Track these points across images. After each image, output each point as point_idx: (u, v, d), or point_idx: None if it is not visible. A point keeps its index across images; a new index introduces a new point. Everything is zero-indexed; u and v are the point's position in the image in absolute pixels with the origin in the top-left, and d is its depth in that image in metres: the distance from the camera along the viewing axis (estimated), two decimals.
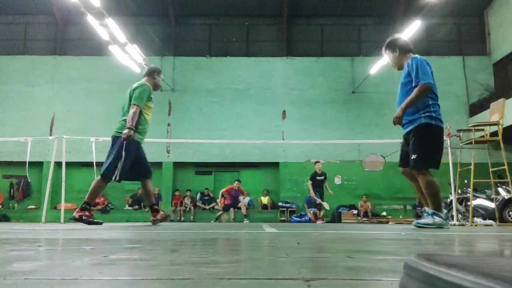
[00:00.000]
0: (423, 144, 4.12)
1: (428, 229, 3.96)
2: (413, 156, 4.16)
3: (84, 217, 4.73)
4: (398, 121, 4.33)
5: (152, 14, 16.39)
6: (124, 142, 4.66)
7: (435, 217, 4.12)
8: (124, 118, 4.92)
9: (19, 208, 14.91)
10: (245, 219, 12.53)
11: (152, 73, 5.20)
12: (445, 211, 4.23)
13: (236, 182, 12.69)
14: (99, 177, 4.86)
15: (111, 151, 4.85)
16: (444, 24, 15.90)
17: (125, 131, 4.67)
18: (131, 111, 4.77)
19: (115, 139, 4.88)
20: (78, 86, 15.53)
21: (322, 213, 14.09)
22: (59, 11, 15.85)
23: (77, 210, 4.85)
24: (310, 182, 11.55)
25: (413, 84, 4.20)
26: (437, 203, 4.15)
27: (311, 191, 11.45)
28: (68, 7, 14.66)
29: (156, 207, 5.21)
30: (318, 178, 11.55)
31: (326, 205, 11.57)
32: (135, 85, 5.02)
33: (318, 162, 11.79)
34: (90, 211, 4.82)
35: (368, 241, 2.18)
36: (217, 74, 15.30)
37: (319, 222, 11.48)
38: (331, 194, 11.78)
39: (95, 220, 4.88)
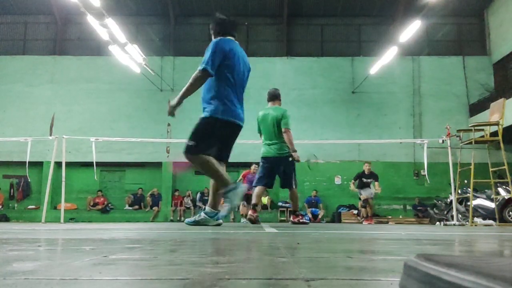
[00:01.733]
0: (199, 131, 3.81)
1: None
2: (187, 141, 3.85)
3: (300, 221, 5.97)
4: (170, 111, 3.81)
5: (152, 14, 16.39)
6: (293, 159, 5.80)
7: (201, 213, 4.14)
8: (276, 141, 5.81)
9: (19, 208, 14.91)
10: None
11: (279, 96, 6.10)
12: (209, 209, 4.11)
13: (254, 166, 11.54)
14: (294, 188, 5.89)
15: (285, 170, 5.82)
16: (444, 24, 15.91)
17: (295, 154, 5.78)
18: (288, 136, 5.75)
19: (279, 159, 5.80)
20: (78, 86, 15.53)
21: (322, 212, 14.09)
22: (59, 11, 15.85)
23: (292, 217, 6.08)
24: (352, 181, 11.01)
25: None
26: (218, 180, 3.91)
27: (353, 188, 11.03)
28: (68, 7, 14.66)
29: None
30: (365, 180, 10.99)
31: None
32: (275, 111, 5.85)
33: (367, 163, 11.17)
34: (300, 215, 6.14)
35: (368, 241, 2.18)
36: None
37: (365, 222, 10.64)
38: (378, 192, 11.02)
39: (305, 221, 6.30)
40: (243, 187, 3.92)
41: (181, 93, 3.74)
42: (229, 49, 3.80)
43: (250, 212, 5.78)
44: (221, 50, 3.75)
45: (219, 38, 3.87)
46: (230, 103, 3.82)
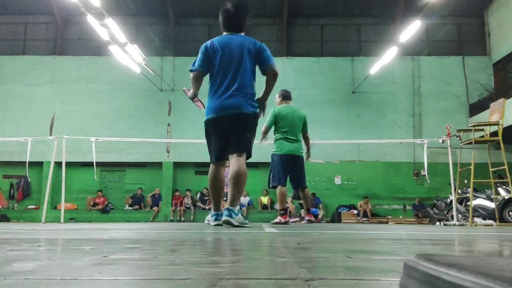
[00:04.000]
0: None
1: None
2: None
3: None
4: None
5: (152, 14, 16.39)
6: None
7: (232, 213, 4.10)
8: (298, 139, 6.01)
9: (19, 208, 14.91)
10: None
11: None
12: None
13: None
14: (307, 188, 6.15)
15: (301, 168, 6.03)
16: (444, 24, 15.90)
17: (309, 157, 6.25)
18: (309, 141, 6.15)
19: (300, 157, 6.03)
20: (78, 86, 15.53)
21: (322, 213, 14.08)
22: (59, 11, 15.85)
23: (308, 215, 6.26)
24: None
25: None
26: (214, 203, 4.18)
27: None
28: (68, 7, 14.65)
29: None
30: None
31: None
32: (299, 111, 6.13)
33: None
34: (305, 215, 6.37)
35: (368, 241, 2.18)
36: None
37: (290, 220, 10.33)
38: None
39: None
40: (217, 221, 4.01)
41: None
42: (212, 48, 4.06)
43: (288, 219, 6.03)
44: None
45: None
46: (211, 98, 3.97)
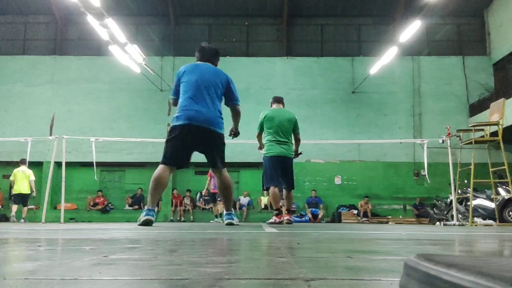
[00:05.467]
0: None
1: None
2: None
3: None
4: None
5: (152, 14, 16.39)
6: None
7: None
8: (288, 141, 5.98)
9: (19, 208, 14.89)
10: (216, 219, 11.36)
11: (283, 100, 6.34)
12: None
13: None
14: (291, 191, 6.18)
15: (291, 170, 6.09)
16: (444, 24, 15.91)
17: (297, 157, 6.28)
18: (299, 143, 6.18)
19: (290, 159, 6.05)
20: (78, 86, 15.53)
21: (322, 213, 14.07)
22: (59, 11, 15.85)
23: (289, 215, 6.14)
24: None
25: None
26: (150, 199, 4.12)
27: None
28: (68, 7, 14.65)
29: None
30: None
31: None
32: (288, 113, 6.10)
33: None
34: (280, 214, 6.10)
35: (368, 241, 2.18)
36: None
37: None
38: None
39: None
40: (147, 216, 3.97)
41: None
42: (183, 72, 4.31)
43: (283, 219, 5.93)
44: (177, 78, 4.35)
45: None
46: (183, 109, 4.09)
